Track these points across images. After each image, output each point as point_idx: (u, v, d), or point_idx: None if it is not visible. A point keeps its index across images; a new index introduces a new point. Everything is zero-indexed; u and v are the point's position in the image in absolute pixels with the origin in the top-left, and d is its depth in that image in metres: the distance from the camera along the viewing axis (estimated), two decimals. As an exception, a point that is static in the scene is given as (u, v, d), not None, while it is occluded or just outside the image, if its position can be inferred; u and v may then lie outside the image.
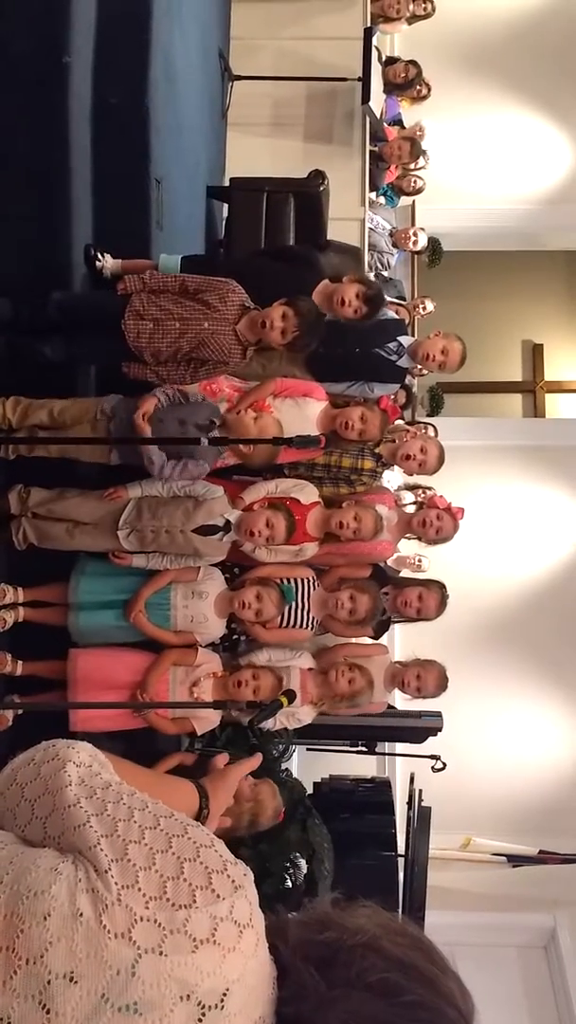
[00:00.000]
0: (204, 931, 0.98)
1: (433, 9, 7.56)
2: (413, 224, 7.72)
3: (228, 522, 3.74)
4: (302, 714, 3.84)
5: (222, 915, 1.00)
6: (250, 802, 3.42)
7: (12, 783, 1.15)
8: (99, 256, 4.20)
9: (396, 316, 4.65)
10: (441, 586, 4.17)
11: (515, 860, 6.72)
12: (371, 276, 6.64)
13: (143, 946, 0.96)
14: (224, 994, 0.97)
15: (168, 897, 0.99)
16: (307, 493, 3.92)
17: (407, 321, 6.21)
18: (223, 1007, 0.97)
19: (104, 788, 1.11)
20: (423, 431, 5.74)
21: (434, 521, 4.18)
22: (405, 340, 4.38)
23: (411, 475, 4.52)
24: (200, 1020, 0.96)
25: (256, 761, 1.86)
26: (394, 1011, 0.99)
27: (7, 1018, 0.94)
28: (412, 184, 7.33)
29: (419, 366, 4.52)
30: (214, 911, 0.99)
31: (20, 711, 3.66)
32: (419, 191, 7.42)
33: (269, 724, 3.80)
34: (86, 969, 0.94)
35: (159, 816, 1.07)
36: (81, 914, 0.97)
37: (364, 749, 5.34)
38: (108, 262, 4.22)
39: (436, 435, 5.72)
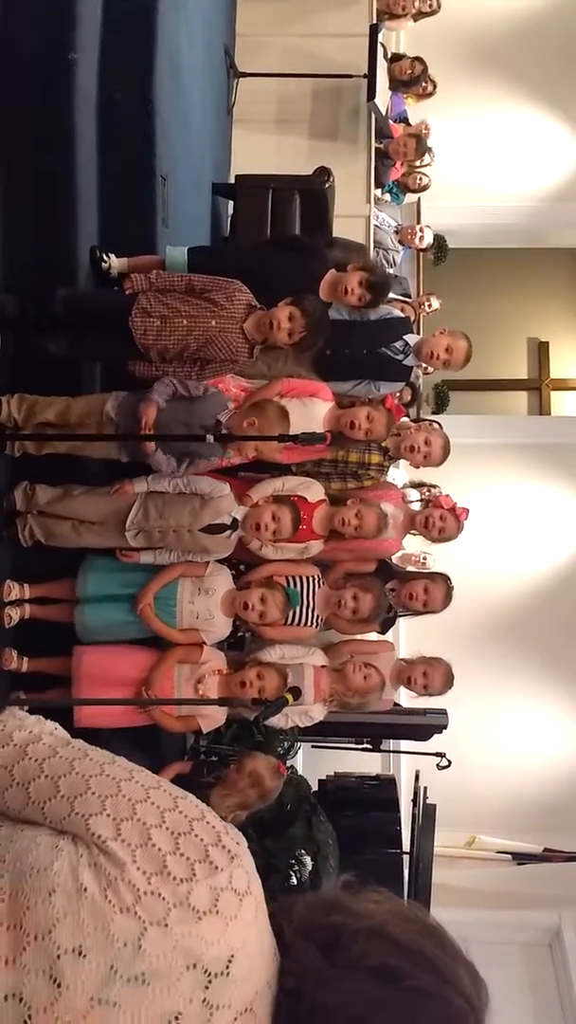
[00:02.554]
0: (206, 903, 1.00)
1: (439, 6, 7.54)
2: (419, 221, 7.70)
3: (235, 520, 3.74)
4: (314, 712, 3.84)
5: (222, 886, 1.01)
6: (245, 781, 3.44)
7: None
8: (104, 257, 4.20)
9: (401, 314, 4.65)
10: (446, 578, 4.18)
11: (520, 858, 6.72)
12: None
13: (148, 919, 0.98)
14: (229, 961, 0.99)
15: (169, 871, 1.00)
16: (313, 491, 3.92)
17: (412, 318, 6.21)
18: (228, 974, 0.99)
19: (82, 757, 1.11)
20: (429, 426, 5.73)
21: (437, 521, 4.19)
22: (411, 338, 4.38)
23: (417, 467, 4.52)
24: (207, 987, 0.98)
25: None
26: (395, 995, 1.00)
27: (19, 994, 0.96)
28: (417, 181, 7.32)
29: (424, 364, 4.51)
30: (213, 883, 1.01)
31: (25, 708, 3.66)
32: (424, 188, 7.40)
33: (281, 722, 3.81)
34: (94, 943, 0.96)
35: (148, 787, 1.08)
36: (85, 889, 0.98)
37: (369, 746, 5.34)
38: (114, 261, 4.23)
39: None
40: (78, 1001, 0.95)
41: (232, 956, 0.99)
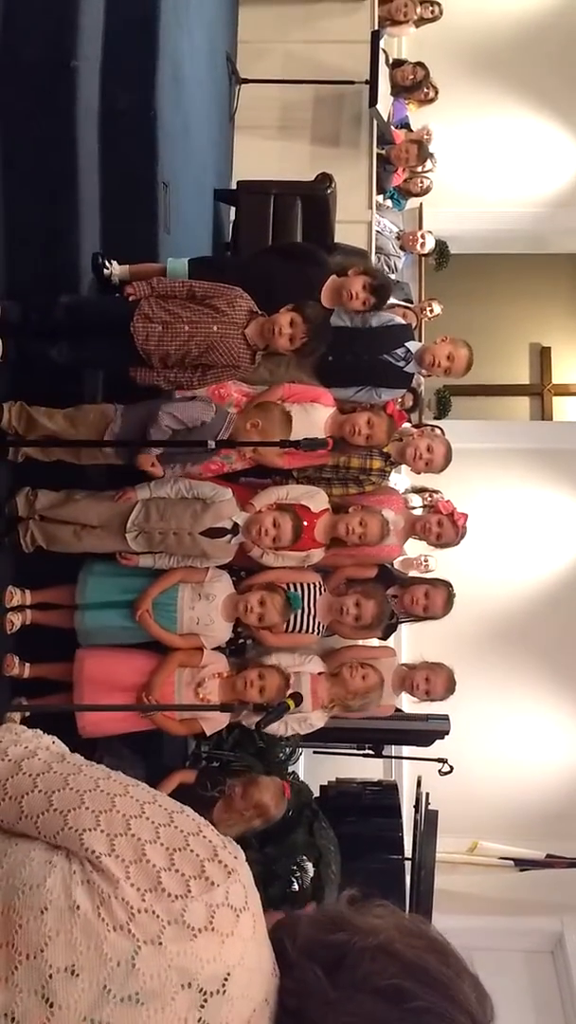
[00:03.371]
0: (201, 919, 0.98)
1: (441, 12, 7.56)
2: (420, 227, 7.71)
3: (236, 524, 3.74)
4: (314, 719, 3.83)
5: (218, 902, 1.00)
6: (250, 810, 3.42)
7: None
8: (107, 264, 4.21)
9: (403, 321, 4.66)
10: (447, 584, 4.18)
11: (522, 864, 6.70)
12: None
13: (142, 938, 0.96)
14: (225, 979, 0.98)
15: (163, 888, 0.99)
16: (317, 500, 3.92)
17: (414, 324, 6.21)
18: (225, 992, 0.98)
19: (76, 773, 1.10)
20: (431, 433, 5.73)
21: (434, 527, 4.19)
22: (412, 345, 4.38)
23: (419, 473, 4.53)
24: (202, 1006, 0.97)
25: None
26: (401, 1016, 0.98)
27: (11, 1014, 0.95)
28: (419, 184, 7.32)
29: (425, 371, 4.52)
30: (209, 899, 0.99)
31: (28, 714, 3.67)
32: (426, 191, 7.41)
33: (280, 730, 3.80)
34: (86, 962, 0.95)
35: (143, 802, 1.06)
36: (78, 907, 0.97)
37: (371, 752, 5.34)
38: (116, 268, 4.24)
39: (443, 437, 5.71)
40: (71, 1021, 0.94)
41: (228, 974, 0.98)
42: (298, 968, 1.03)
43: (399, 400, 4.59)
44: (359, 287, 3.98)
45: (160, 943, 0.96)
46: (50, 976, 0.94)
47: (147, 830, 1.03)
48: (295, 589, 3.84)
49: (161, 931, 0.96)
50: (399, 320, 4.54)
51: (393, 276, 7.17)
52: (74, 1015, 0.94)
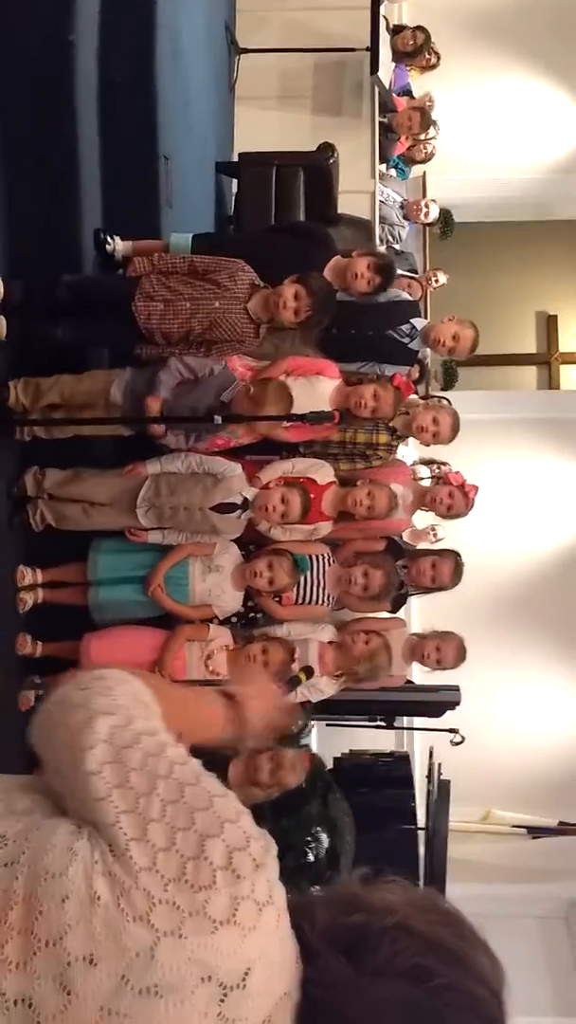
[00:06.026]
0: (224, 912, 0.97)
1: (441, -24, 7.45)
2: (424, 196, 7.63)
3: (246, 499, 3.74)
4: (323, 685, 3.84)
5: (243, 895, 0.98)
6: (272, 787, 3.43)
7: (45, 727, 1.13)
8: (109, 239, 4.19)
9: (409, 297, 4.62)
10: (455, 554, 4.18)
11: (535, 832, 6.75)
12: (383, 249, 6.60)
13: (162, 929, 0.95)
14: (246, 974, 0.96)
15: (187, 879, 0.98)
16: (323, 473, 3.91)
17: (420, 294, 6.17)
18: (245, 986, 0.96)
19: (132, 746, 1.07)
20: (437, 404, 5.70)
21: (445, 498, 4.19)
22: (418, 322, 4.35)
23: (427, 445, 4.51)
24: (222, 1001, 0.96)
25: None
26: (424, 995, 0.98)
27: (28, 999, 0.94)
28: (423, 150, 7.24)
29: (430, 349, 4.50)
30: (234, 891, 0.98)
31: (42, 692, 3.69)
32: (430, 156, 7.32)
33: (291, 697, 3.82)
34: (105, 952, 0.94)
35: (184, 784, 1.05)
36: (99, 897, 0.96)
37: (383, 724, 5.35)
38: (119, 244, 4.22)
39: (450, 408, 5.67)
40: (87, 1010, 0.93)
41: (249, 969, 0.96)
42: (321, 957, 1.02)
43: (406, 372, 4.57)
44: (364, 267, 3.95)
45: (181, 935, 0.95)
46: (68, 964, 0.94)
47: (183, 816, 1.02)
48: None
49: (182, 923, 0.95)
50: (406, 296, 4.52)
51: (397, 246, 7.12)
52: (91, 1004, 0.93)
